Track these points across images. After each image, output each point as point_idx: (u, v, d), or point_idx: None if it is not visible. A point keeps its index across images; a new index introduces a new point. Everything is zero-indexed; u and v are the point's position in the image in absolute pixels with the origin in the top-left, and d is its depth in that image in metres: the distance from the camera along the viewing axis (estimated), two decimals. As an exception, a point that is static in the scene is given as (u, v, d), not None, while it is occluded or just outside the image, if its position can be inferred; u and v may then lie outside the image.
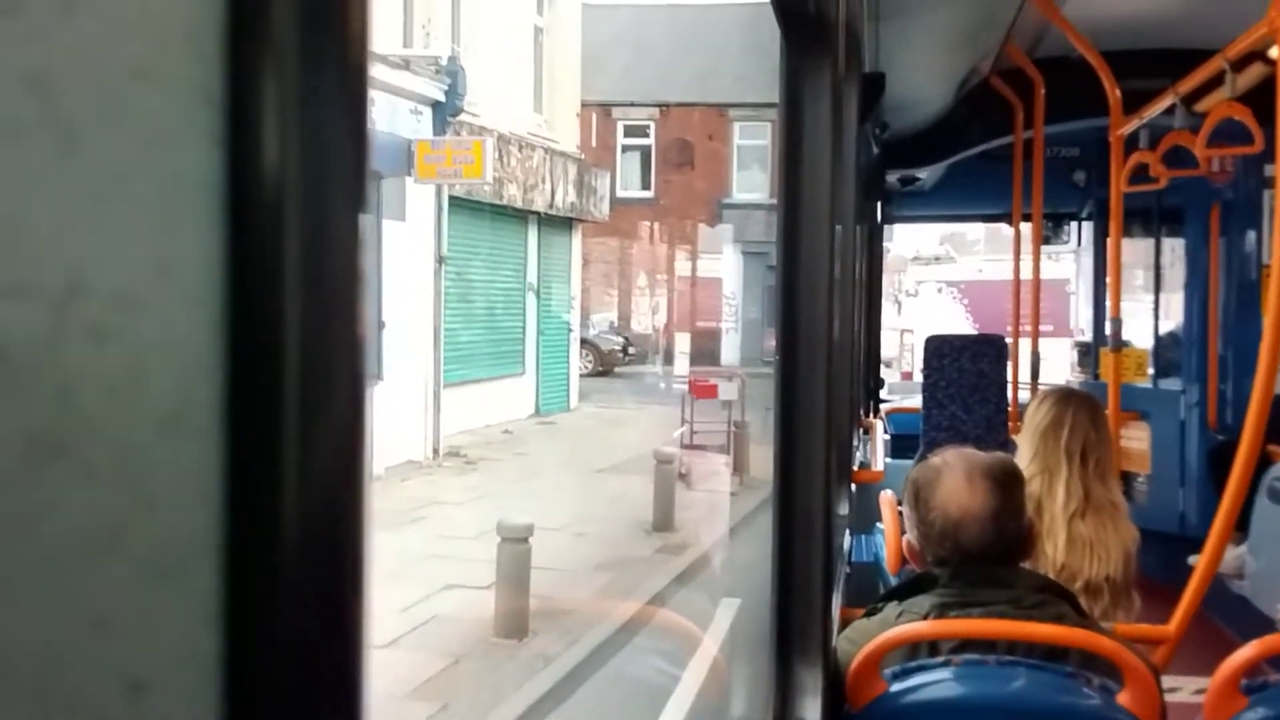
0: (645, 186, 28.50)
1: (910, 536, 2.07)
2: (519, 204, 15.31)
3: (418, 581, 7.85)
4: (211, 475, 0.32)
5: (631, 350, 26.27)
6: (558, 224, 17.81)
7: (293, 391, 0.34)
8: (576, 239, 18.46)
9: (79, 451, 0.30)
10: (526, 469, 12.54)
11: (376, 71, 11.64)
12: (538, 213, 16.74)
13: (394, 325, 11.67)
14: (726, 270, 27.69)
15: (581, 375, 24.01)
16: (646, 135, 28.41)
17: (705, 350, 27.21)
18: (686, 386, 13.68)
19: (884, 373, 8.11)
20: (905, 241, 49.10)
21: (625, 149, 28.61)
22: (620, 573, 8.53)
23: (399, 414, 11.96)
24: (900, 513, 2.21)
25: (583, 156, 18.36)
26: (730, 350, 26.91)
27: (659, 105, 28.19)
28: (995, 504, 1.95)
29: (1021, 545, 2.00)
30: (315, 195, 0.34)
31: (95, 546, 0.30)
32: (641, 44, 26.85)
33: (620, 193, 27.89)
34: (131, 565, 0.31)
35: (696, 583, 8.45)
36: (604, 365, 24.97)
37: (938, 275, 23.57)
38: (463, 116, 13.72)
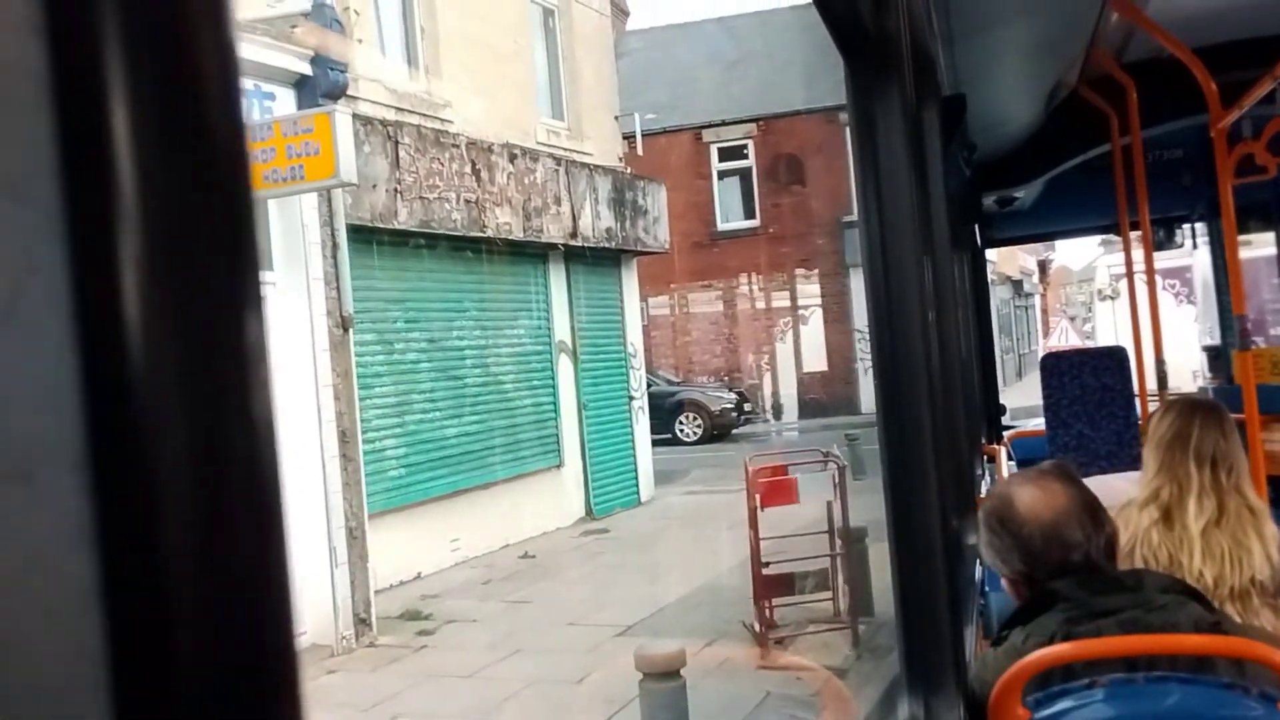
0: (749, 215, 26.15)
1: (1006, 571, 2.11)
2: (516, 234, 9.43)
3: None
4: (63, 373, 0.31)
5: (748, 407, 23.28)
6: (596, 259, 14.76)
7: (146, 277, 0.32)
8: (629, 277, 14.90)
9: None
10: (507, 638, 8.85)
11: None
12: (555, 245, 13.77)
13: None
14: (857, 299, 24.25)
15: (693, 443, 21.45)
16: (744, 156, 26.05)
17: (839, 397, 24.80)
18: (745, 481, 8.94)
19: None
20: (1073, 252, 40.74)
21: (722, 175, 26.37)
22: None
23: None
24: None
25: (626, 169, 12.46)
26: (870, 394, 20.32)
27: (755, 120, 25.70)
28: (1077, 497, 2.04)
29: (1116, 534, 2.07)
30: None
31: None
32: (733, 58, 25.63)
33: (721, 225, 26.27)
34: None
35: None
36: (717, 428, 21.85)
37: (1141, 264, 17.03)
38: (420, 120, 11.11)
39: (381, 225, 10.38)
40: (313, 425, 8.98)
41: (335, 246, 9.08)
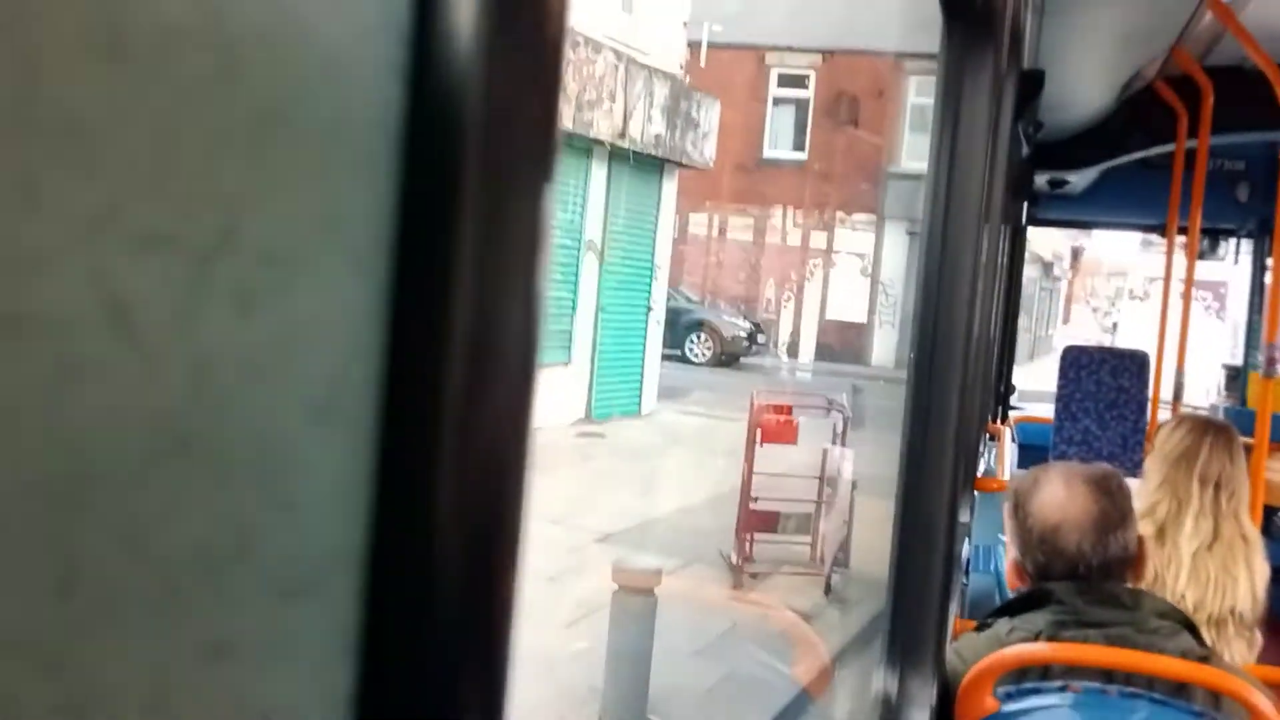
0: (798, 147, 25.34)
1: (1012, 550, 2.12)
2: (565, 124, 9.21)
3: None
4: (359, 475, 0.29)
5: (760, 338, 23.08)
6: (639, 164, 14.43)
7: (457, 381, 0.30)
8: (669, 187, 12.93)
9: (211, 443, 0.26)
10: None
11: None
12: (602, 142, 12.38)
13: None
14: (886, 253, 24.11)
15: (700, 364, 21.47)
16: (804, 86, 25.38)
17: (852, 346, 24.60)
18: (748, 413, 8.87)
19: None
20: (1104, 245, 41.06)
21: (778, 101, 25.69)
22: None
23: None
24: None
25: (685, 77, 12.24)
26: (882, 349, 23.62)
27: (821, 51, 25.00)
28: (1096, 510, 2.00)
29: (1129, 560, 2.03)
30: (501, 150, 0.31)
31: (221, 558, 0.27)
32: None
33: (767, 152, 25.46)
34: (261, 580, 0.28)
35: None
36: (726, 353, 21.97)
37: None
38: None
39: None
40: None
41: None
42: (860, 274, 24.79)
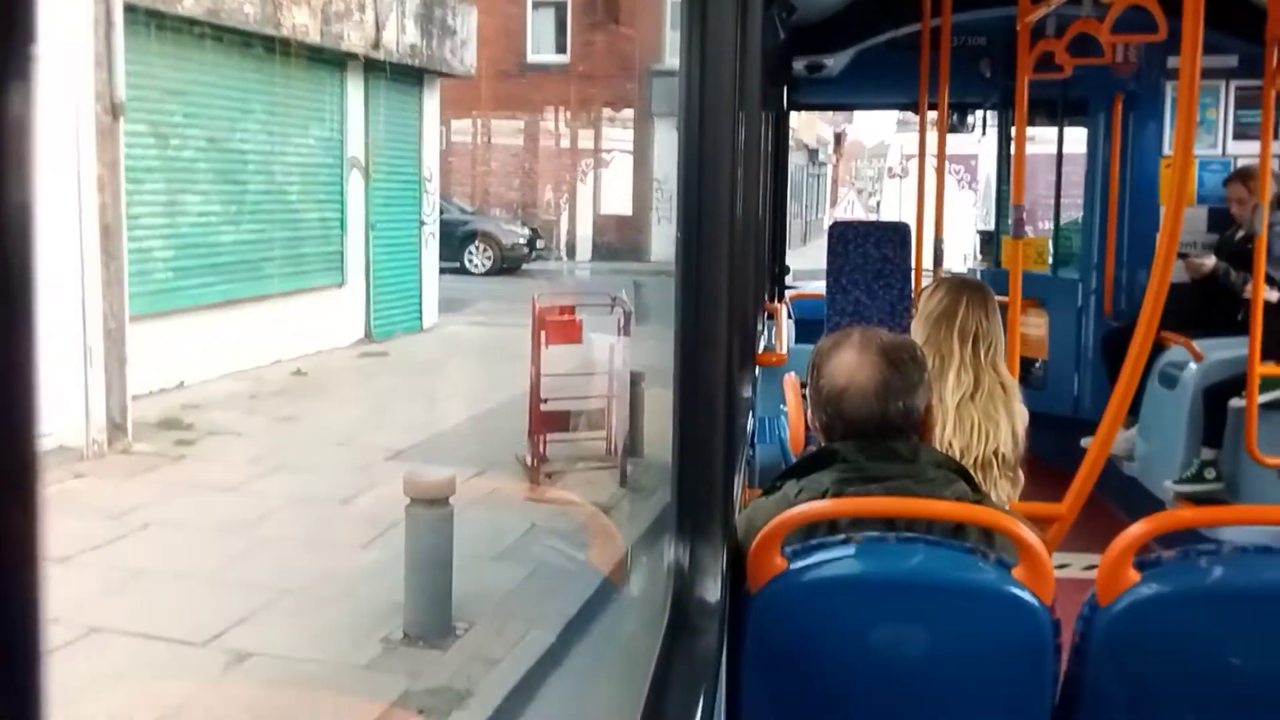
0: (561, 49, 25.57)
1: (806, 407, 2.24)
2: (313, 37, 8.74)
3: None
4: None
5: (540, 244, 23.15)
6: (397, 76, 14.09)
7: None
8: (431, 100, 12.65)
9: None
10: (271, 453, 8.55)
11: None
12: (356, 56, 9.88)
13: None
14: (658, 150, 24.18)
15: (481, 274, 21.16)
16: None
17: (631, 244, 24.76)
18: (531, 317, 8.77)
19: None
20: (865, 128, 42.79)
21: (537, 5, 25.77)
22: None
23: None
24: (804, 395, 2.39)
25: (436, -20, 12.11)
26: (661, 244, 23.97)
27: None
28: (880, 378, 2.09)
29: (911, 425, 2.13)
30: None
31: None
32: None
33: (531, 57, 25.54)
34: None
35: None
36: (507, 261, 21.86)
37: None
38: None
39: (164, 10, 9.69)
40: (71, 217, 8.18)
41: (110, 25, 8.26)
42: (635, 172, 24.97)
